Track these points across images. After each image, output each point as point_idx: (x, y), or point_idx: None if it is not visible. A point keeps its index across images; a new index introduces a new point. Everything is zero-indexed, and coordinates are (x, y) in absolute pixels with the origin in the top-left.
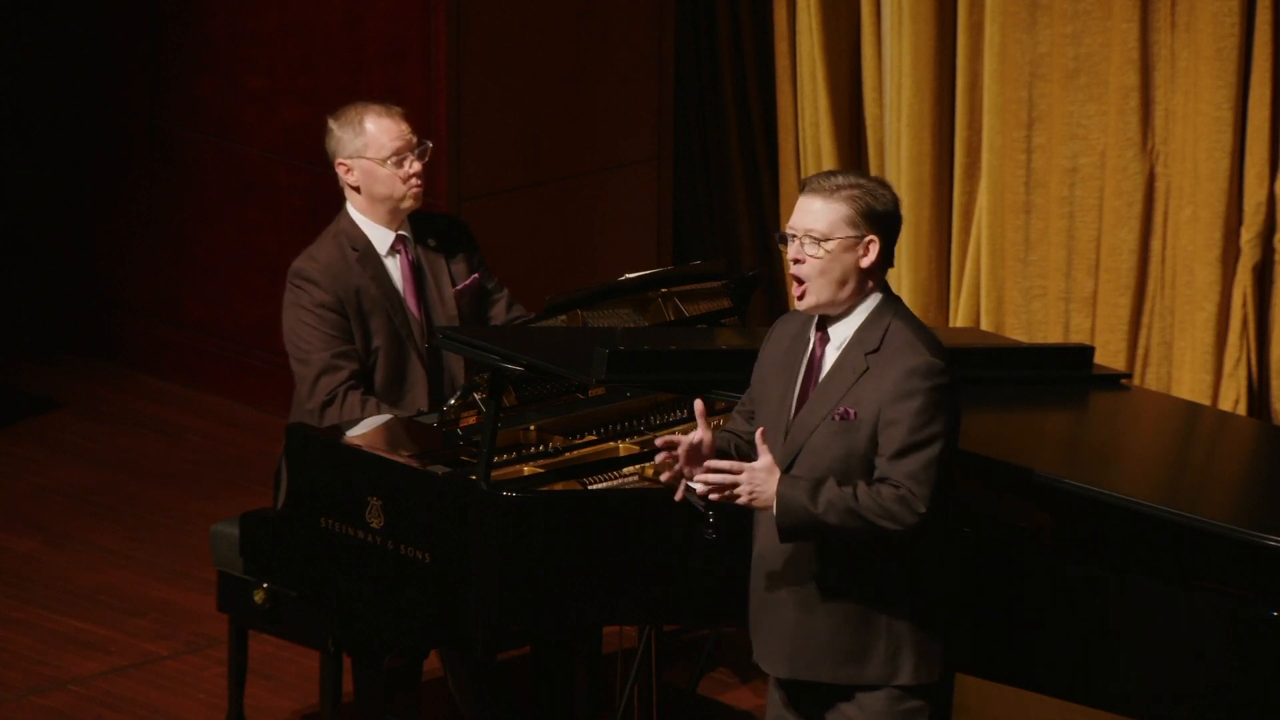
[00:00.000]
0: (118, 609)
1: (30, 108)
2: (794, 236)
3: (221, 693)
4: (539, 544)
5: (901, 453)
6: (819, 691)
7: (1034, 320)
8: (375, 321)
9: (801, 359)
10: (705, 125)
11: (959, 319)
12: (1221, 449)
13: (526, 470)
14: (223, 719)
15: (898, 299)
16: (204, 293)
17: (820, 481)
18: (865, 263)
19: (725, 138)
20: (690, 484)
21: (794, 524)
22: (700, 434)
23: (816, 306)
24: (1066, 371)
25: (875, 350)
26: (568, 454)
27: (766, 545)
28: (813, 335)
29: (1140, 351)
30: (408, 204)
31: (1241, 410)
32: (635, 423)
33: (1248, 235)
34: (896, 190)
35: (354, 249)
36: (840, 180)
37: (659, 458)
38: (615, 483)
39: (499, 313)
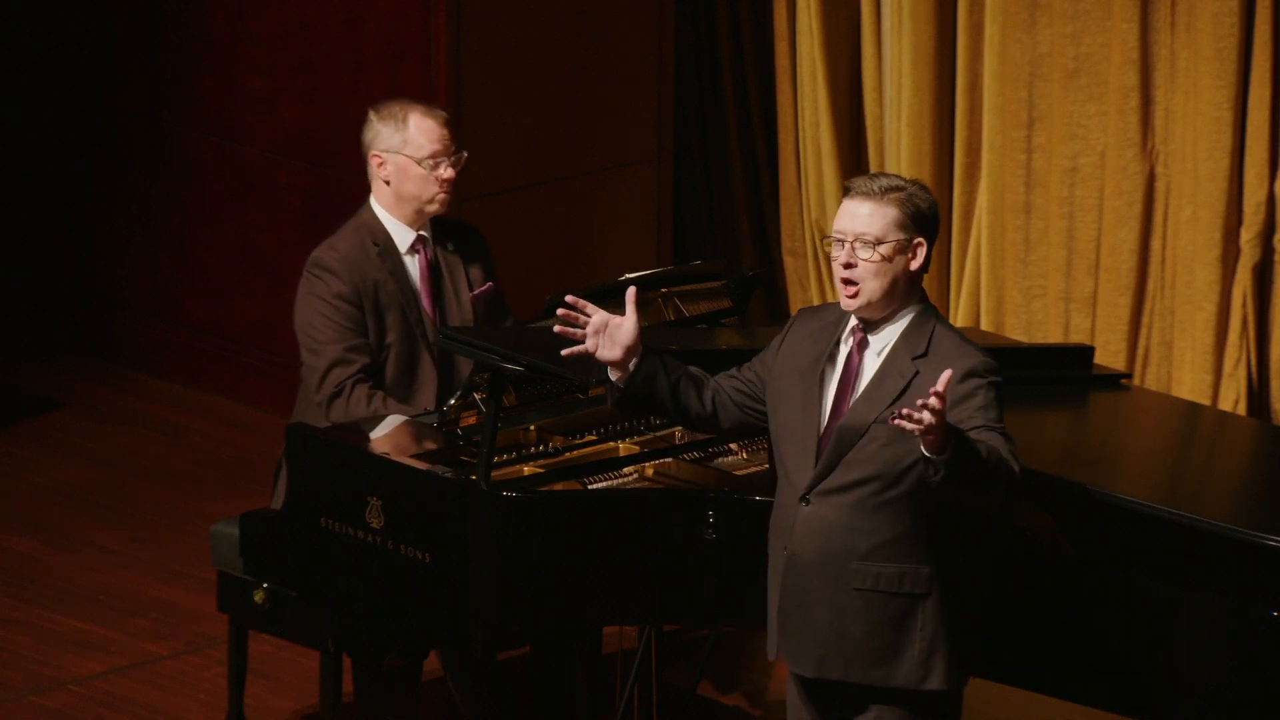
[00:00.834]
0: (118, 609)
1: (30, 107)
2: (843, 241)
3: (221, 693)
4: (539, 544)
5: (989, 434)
6: (844, 691)
7: (1034, 320)
8: (390, 317)
9: (828, 364)
10: (705, 125)
11: (959, 319)
12: (1221, 449)
13: (526, 470)
14: (223, 719)
15: (935, 307)
16: (204, 293)
17: (957, 431)
18: (914, 265)
19: (725, 138)
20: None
21: (965, 465)
22: (624, 321)
23: (866, 307)
24: (1066, 371)
25: (923, 355)
26: (568, 454)
27: (800, 545)
28: (847, 341)
29: (1140, 351)
30: (434, 208)
31: (1241, 410)
32: (635, 423)
33: (1248, 235)
34: None
35: (375, 244)
36: (886, 183)
37: (561, 312)
38: (615, 483)
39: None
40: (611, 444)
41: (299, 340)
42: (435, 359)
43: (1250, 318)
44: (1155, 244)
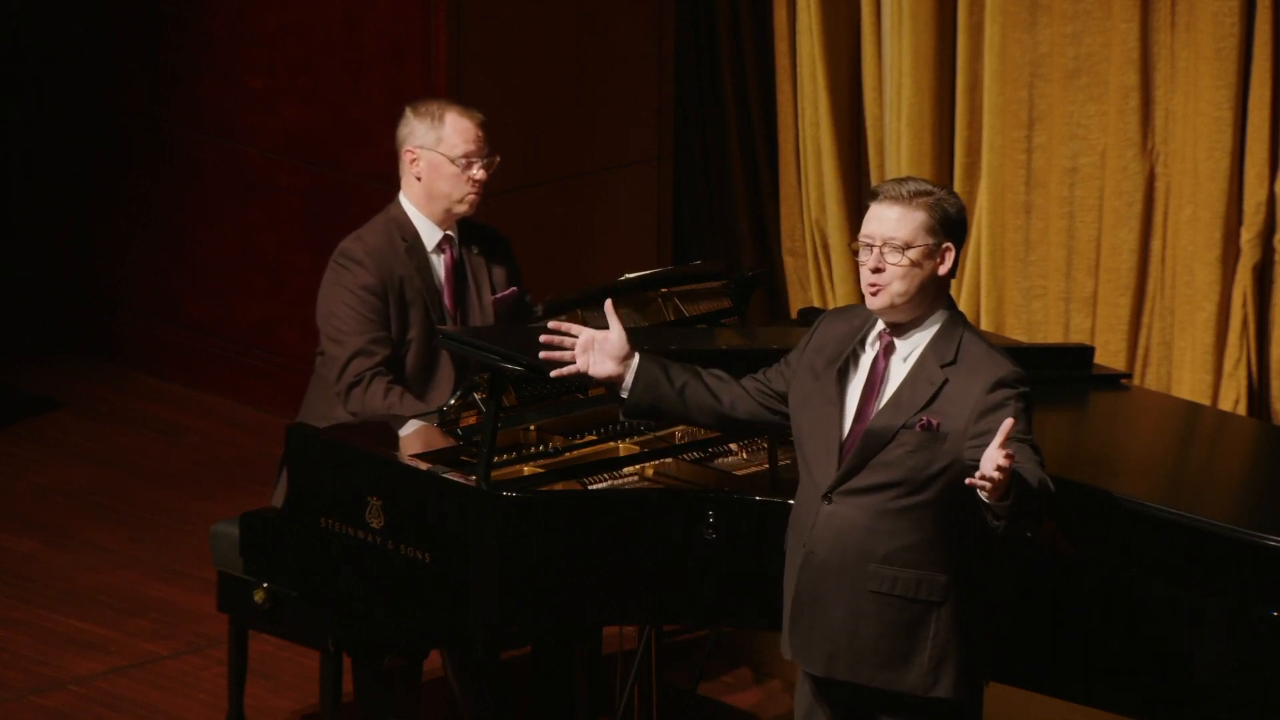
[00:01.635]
0: (118, 609)
1: (31, 108)
2: (872, 246)
3: (221, 693)
4: (539, 544)
5: (1020, 448)
6: (855, 692)
7: (1034, 320)
8: (413, 313)
9: (851, 366)
10: (705, 125)
11: None
12: (1221, 449)
13: (526, 470)
14: (223, 719)
15: (962, 314)
16: (204, 293)
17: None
18: (943, 270)
19: (725, 138)
20: (976, 481)
21: (1021, 505)
22: (609, 333)
23: (889, 309)
24: (1066, 371)
25: (952, 363)
26: (568, 454)
27: (818, 543)
28: (873, 345)
29: (1140, 351)
30: (462, 208)
31: (1241, 410)
32: (635, 423)
33: (1248, 235)
34: None
35: (403, 239)
36: (914, 187)
37: (544, 338)
38: (615, 483)
39: None
40: (611, 444)
41: (321, 329)
42: (454, 357)
43: (1250, 318)
44: (1155, 244)
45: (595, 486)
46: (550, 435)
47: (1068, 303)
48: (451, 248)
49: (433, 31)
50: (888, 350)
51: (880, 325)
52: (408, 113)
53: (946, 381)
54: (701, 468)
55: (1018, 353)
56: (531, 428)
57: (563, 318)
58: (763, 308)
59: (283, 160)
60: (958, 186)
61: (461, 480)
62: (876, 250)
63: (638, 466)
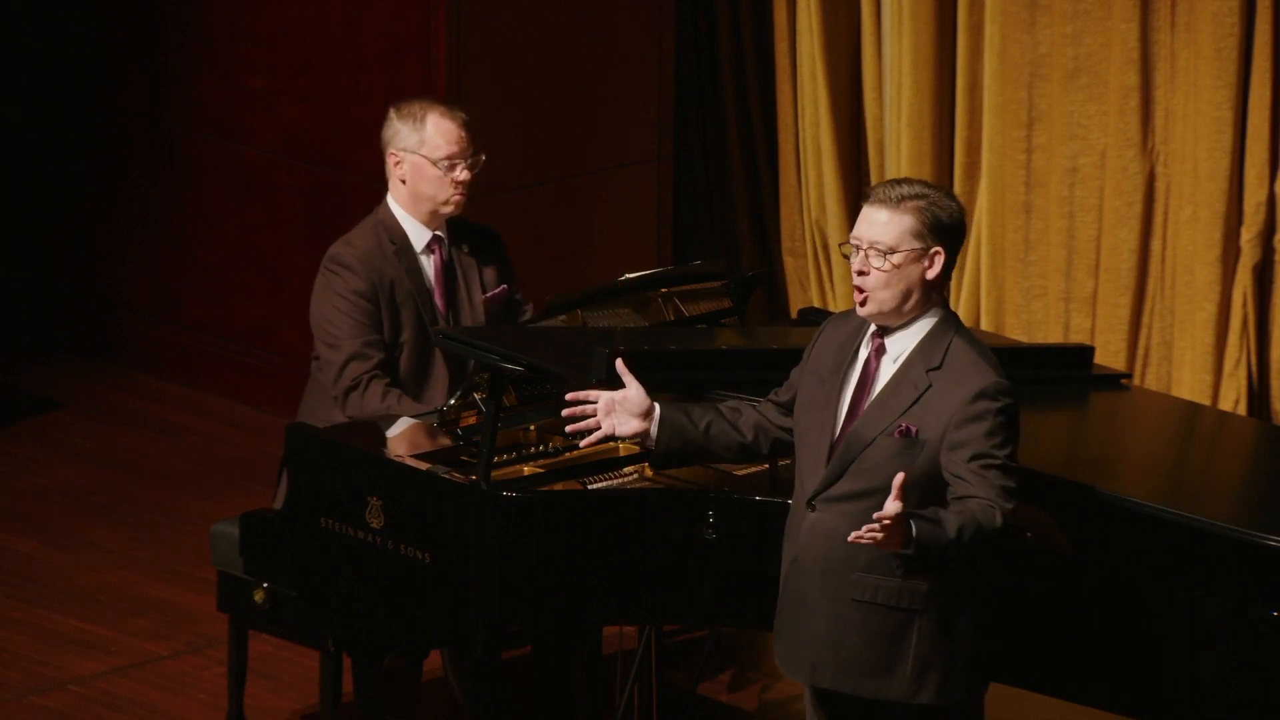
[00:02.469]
0: (118, 609)
1: (30, 108)
2: (859, 248)
3: (221, 693)
4: (539, 544)
5: (983, 475)
6: (847, 701)
7: (1034, 320)
8: (405, 315)
9: (850, 369)
10: (705, 125)
11: None
12: (1221, 449)
13: (526, 470)
14: (223, 719)
15: (956, 315)
16: (204, 293)
17: (935, 512)
18: (931, 275)
19: (725, 138)
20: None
21: (930, 553)
22: (627, 391)
23: (877, 315)
24: (1066, 371)
25: (937, 368)
26: (568, 454)
27: (803, 551)
28: (866, 346)
29: (1140, 351)
30: (449, 209)
31: (1241, 410)
32: None
33: (1248, 235)
34: None
35: (392, 241)
36: (906, 190)
37: (566, 411)
38: (615, 483)
39: None
40: (611, 444)
41: (315, 334)
42: (448, 358)
43: (1250, 318)
44: (1155, 244)
45: (595, 486)
46: (550, 435)
47: (1068, 303)
48: (441, 248)
49: (433, 31)
50: (879, 352)
51: (874, 326)
52: (391, 114)
53: (930, 387)
54: (701, 468)
55: (1018, 353)
56: (531, 428)
57: (563, 318)
58: (763, 308)
59: (283, 160)
60: (958, 186)
61: (461, 480)
62: (862, 253)
63: (638, 466)
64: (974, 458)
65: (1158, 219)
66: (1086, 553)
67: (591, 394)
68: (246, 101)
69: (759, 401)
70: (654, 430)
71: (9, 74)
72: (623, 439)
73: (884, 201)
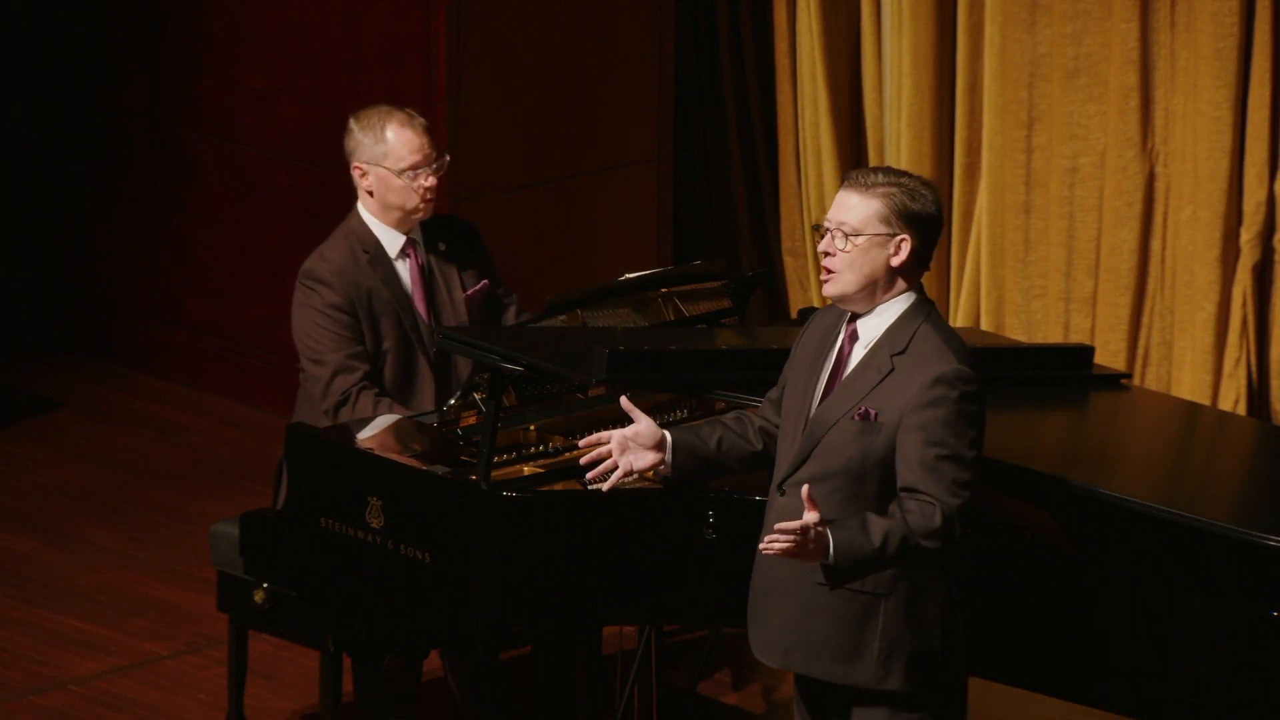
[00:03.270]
0: (118, 609)
1: (30, 108)
2: (828, 229)
3: (221, 693)
4: (539, 544)
5: (934, 467)
6: (824, 686)
7: (1034, 320)
8: (385, 324)
9: (828, 356)
10: (705, 125)
11: (959, 319)
12: (1221, 449)
13: (526, 470)
14: (223, 719)
15: (931, 303)
16: (204, 293)
17: (863, 519)
18: (896, 261)
19: (725, 138)
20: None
21: (853, 565)
22: (637, 427)
23: (840, 298)
24: (1066, 371)
25: (901, 352)
26: (568, 454)
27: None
28: (843, 331)
29: (1140, 351)
30: (418, 215)
31: (1241, 410)
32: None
33: (1248, 235)
34: None
35: (365, 251)
36: (880, 177)
37: (585, 459)
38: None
39: (509, 319)
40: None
41: (298, 349)
42: (431, 363)
43: (1250, 318)
44: (1155, 244)
45: (595, 486)
46: (550, 435)
47: (1068, 303)
48: (416, 251)
49: (433, 31)
50: (851, 337)
51: (849, 313)
52: (351, 125)
53: (892, 371)
54: None
55: (1018, 353)
56: (531, 428)
57: (563, 318)
58: (763, 308)
59: (283, 160)
60: (957, 186)
61: (461, 480)
62: (829, 234)
63: None
64: (928, 445)
65: (1157, 219)
66: (1086, 552)
67: (603, 435)
68: (246, 101)
69: (758, 403)
70: (669, 457)
71: (9, 74)
72: (640, 473)
73: (855, 185)
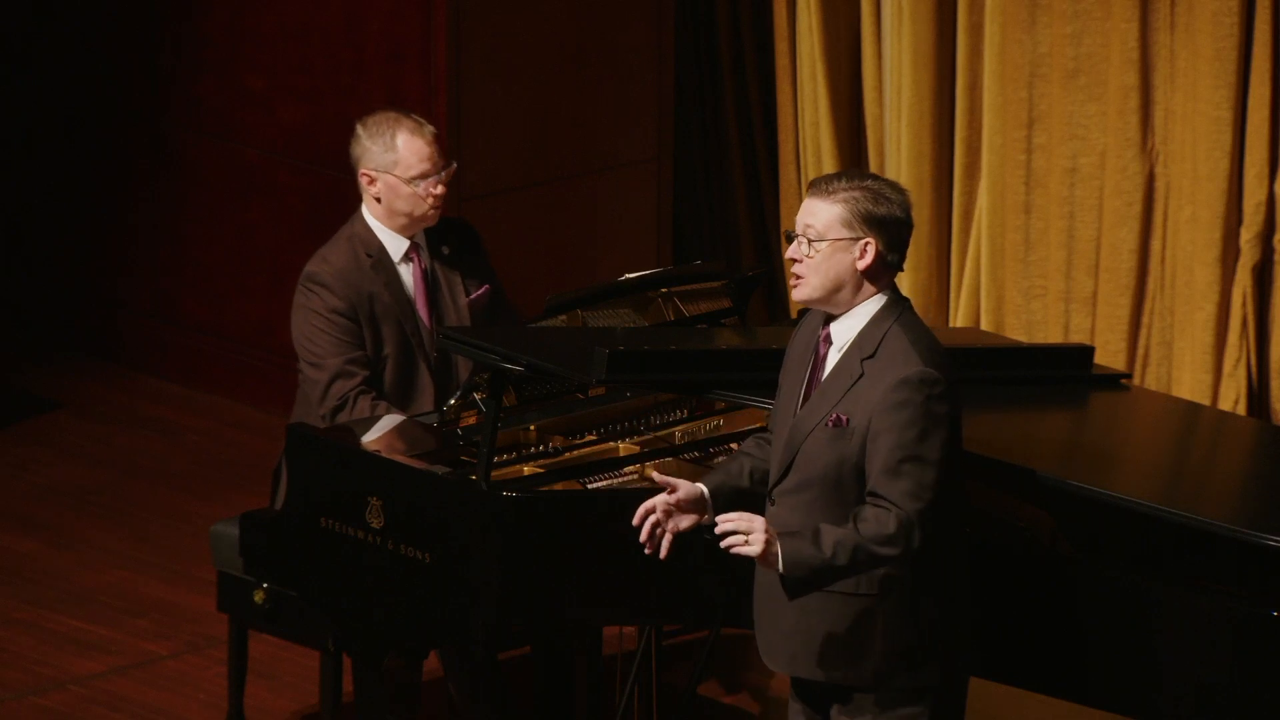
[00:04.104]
0: (118, 609)
1: (30, 108)
2: (796, 235)
3: (221, 693)
4: (539, 544)
5: (895, 470)
6: (824, 688)
7: (1034, 320)
8: (386, 328)
9: (809, 358)
10: (705, 125)
11: (959, 319)
12: (1221, 449)
13: (526, 470)
14: (223, 719)
15: (904, 303)
16: (204, 293)
17: (816, 529)
18: (862, 265)
19: (725, 138)
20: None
21: (804, 575)
22: (678, 495)
23: (808, 300)
24: (1066, 371)
25: (871, 356)
26: (568, 454)
27: None
28: (820, 334)
29: (1140, 351)
30: (424, 223)
31: (1241, 410)
32: (635, 423)
33: (1248, 235)
34: None
35: (368, 254)
36: (842, 183)
37: (643, 536)
38: (615, 483)
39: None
40: (611, 444)
41: (298, 353)
42: (432, 369)
43: (1250, 318)
44: (1155, 244)
45: (595, 486)
46: (550, 435)
47: (1068, 303)
48: (420, 255)
49: (433, 31)
50: (826, 340)
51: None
52: (359, 131)
53: (862, 375)
54: (701, 468)
55: (1018, 353)
56: (531, 428)
57: (562, 318)
58: (763, 308)
59: (283, 160)
60: (957, 186)
61: (461, 480)
62: (796, 240)
63: (638, 466)
64: (890, 449)
65: (1157, 219)
66: (1086, 552)
67: (649, 504)
68: (246, 102)
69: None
70: (710, 509)
71: (9, 74)
72: (688, 529)
73: (818, 192)
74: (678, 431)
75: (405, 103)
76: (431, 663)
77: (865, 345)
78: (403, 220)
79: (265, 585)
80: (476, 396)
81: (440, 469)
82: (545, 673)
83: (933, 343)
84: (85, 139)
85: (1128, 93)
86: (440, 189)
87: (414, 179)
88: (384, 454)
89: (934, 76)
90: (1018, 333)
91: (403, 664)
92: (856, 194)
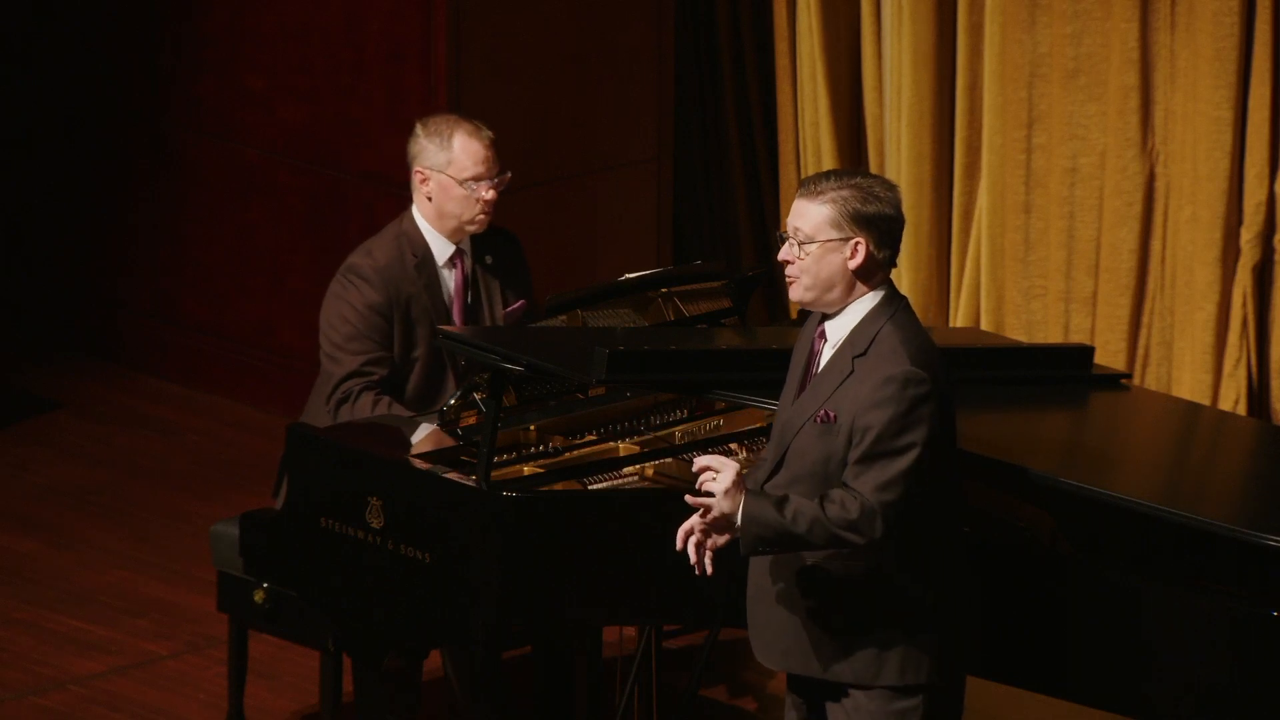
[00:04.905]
0: (118, 609)
1: (30, 108)
2: (788, 237)
3: (221, 693)
4: (538, 544)
5: (868, 462)
6: (819, 685)
7: (1034, 320)
8: (420, 331)
9: (804, 356)
10: (705, 125)
11: (959, 319)
12: (1221, 449)
13: (526, 470)
14: (223, 719)
15: (900, 301)
16: (204, 293)
17: (785, 496)
18: (853, 264)
19: (725, 138)
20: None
21: (760, 533)
22: (715, 512)
23: (802, 301)
24: (1066, 371)
25: (862, 354)
26: (568, 454)
27: None
28: (815, 332)
29: (1140, 351)
30: (473, 228)
31: (1241, 410)
32: (635, 423)
33: (1248, 235)
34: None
35: (414, 254)
36: (830, 183)
37: (694, 563)
38: (615, 483)
39: None
40: (611, 444)
41: (320, 340)
42: (459, 375)
43: (1250, 318)
44: (1155, 244)
45: (595, 486)
46: (550, 435)
47: (1068, 303)
48: (463, 262)
49: (433, 31)
50: (821, 338)
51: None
52: (418, 130)
53: (853, 373)
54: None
55: (1018, 353)
56: (531, 428)
57: (562, 318)
58: (763, 308)
59: (283, 160)
60: (957, 186)
61: (461, 480)
62: (788, 241)
63: (638, 466)
64: (867, 442)
65: (1157, 219)
66: (1086, 552)
67: (685, 528)
68: (246, 101)
69: (757, 403)
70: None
71: (9, 74)
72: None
73: (806, 193)
74: (678, 431)
75: (405, 103)
76: (432, 663)
77: (858, 343)
78: (452, 223)
79: (265, 585)
80: (476, 396)
81: (440, 469)
82: (545, 673)
83: (924, 343)
84: (85, 139)
85: (1128, 93)
86: (491, 194)
87: (467, 180)
88: (384, 454)
89: (934, 76)
90: (1018, 333)
91: (403, 664)
92: (844, 194)
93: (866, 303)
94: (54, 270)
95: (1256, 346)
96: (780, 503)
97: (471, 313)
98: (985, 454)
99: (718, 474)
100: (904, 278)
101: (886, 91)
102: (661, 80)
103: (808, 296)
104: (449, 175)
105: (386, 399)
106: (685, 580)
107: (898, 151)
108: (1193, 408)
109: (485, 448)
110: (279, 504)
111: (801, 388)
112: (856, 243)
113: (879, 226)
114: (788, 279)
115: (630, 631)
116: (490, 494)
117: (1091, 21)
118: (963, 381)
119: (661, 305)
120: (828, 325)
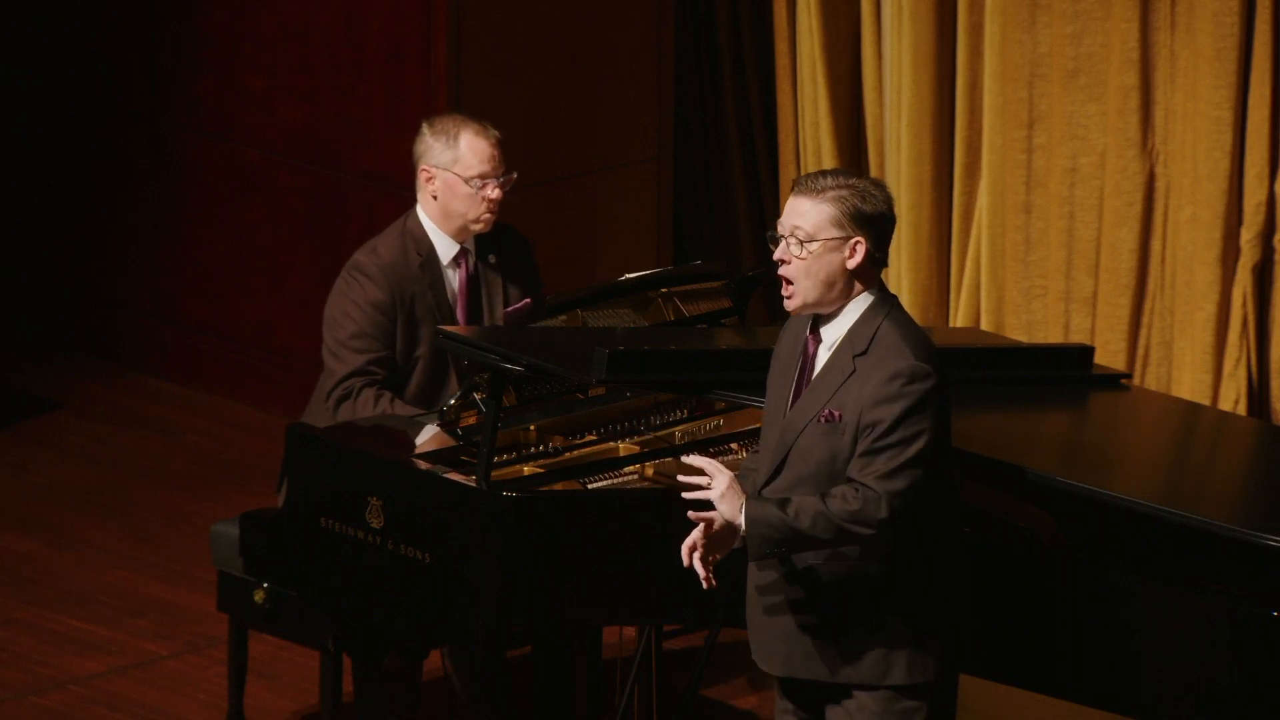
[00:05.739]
0: (118, 609)
1: (30, 108)
2: (783, 236)
3: (221, 693)
4: (538, 544)
5: (874, 453)
6: (818, 688)
7: (1034, 320)
8: (424, 330)
9: (798, 359)
10: (705, 125)
11: (959, 319)
12: (1221, 449)
13: (526, 470)
14: (223, 719)
15: (892, 300)
16: (204, 293)
17: (783, 497)
18: (852, 264)
19: (725, 138)
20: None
21: (765, 534)
22: (714, 527)
23: (804, 307)
24: (1066, 371)
25: (863, 353)
26: (568, 454)
27: None
28: (808, 335)
29: (1140, 351)
30: (478, 226)
31: (1241, 410)
32: (635, 423)
33: (1248, 235)
34: (896, 190)
35: (418, 253)
36: (829, 181)
37: (703, 578)
38: (615, 483)
39: None
40: (611, 444)
41: (323, 337)
42: (461, 374)
43: (1250, 318)
44: (1155, 244)
45: (595, 486)
46: (550, 435)
47: (1068, 303)
48: (467, 261)
49: (433, 31)
50: (815, 340)
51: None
52: (424, 129)
53: (854, 372)
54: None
55: (1018, 353)
56: (531, 428)
57: (562, 318)
58: (763, 308)
59: (283, 160)
60: (957, 186)
61: (461, 480)
62: (784, 241)
63: (638, 466)
64: (873, 436)
65: (1157, 219)
66: (1086, 552)
67: (689, 543)
68: (246, 101)
69: (757, 403)
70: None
71: (9, 74)
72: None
73: (805, 191)
74: (678, 431)
75: (405, 103)
76: (432, 662)
77: (857, 342)
78: (457, 222)
79: (265, 585)
80: (476, 396)
81: (440, 469)
82: (545, 673)
83: (923, 338)
84: (85, 139)
85: (1128, 93)
86: (497, 193)
87: (473, 179)
88: (384, 454)
89: (934, 76)
90: (1018, 333)
91: (403, 664)
92: (844, 193)
93: (861, 303)
94: (54, 270)
95: (1256, 346)
96: (782, 503)
97: (475, 312)
98: (985, 454)
99: (711, 479)
100: (904, 278)
101: (886, 91)
102: (661, 80)
103: (807, 300)
104: (455, 173)
105: (388, 395)
106: (685, 580)
107: (898, 151)
108: (1193, 408)
109: (485, 448)
110: (281, 501)
111: (797, 391)
112: (856, 242)
113: (877, 226)
114: (785, 291)
115: (630, 631)
116: (490, 494)
117: (1091, 21)
118: (963, 381)
119: (661, 305)
120: (823, 329)
